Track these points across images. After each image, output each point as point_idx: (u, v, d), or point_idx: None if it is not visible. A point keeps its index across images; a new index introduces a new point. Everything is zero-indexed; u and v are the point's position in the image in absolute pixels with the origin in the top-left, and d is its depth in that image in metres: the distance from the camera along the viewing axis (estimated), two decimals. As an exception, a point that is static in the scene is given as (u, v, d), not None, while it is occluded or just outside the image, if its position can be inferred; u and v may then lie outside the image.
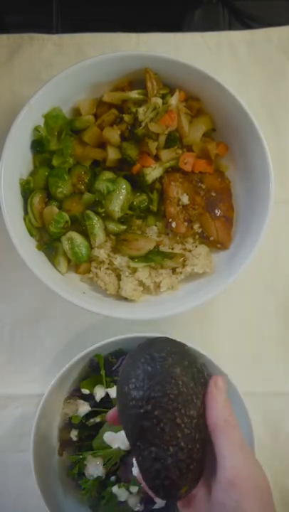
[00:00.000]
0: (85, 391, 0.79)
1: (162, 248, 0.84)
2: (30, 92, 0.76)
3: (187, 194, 0.82)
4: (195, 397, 0.47)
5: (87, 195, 0.81)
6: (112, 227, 0.82)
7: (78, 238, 0.81)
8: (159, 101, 0.78)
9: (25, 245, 0.77)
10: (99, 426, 0.77)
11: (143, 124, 0.78)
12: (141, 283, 0.84)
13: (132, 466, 0.74)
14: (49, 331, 0.88)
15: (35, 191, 0.81)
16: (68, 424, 0.81)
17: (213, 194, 0.84)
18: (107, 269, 0.84)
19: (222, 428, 0.47)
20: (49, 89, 0.76)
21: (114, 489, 0.75)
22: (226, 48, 0.93)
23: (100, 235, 0.81)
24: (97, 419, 0.77)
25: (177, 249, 0.84)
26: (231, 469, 0.45)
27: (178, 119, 0.80)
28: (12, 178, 0.78)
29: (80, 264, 0.83)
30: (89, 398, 0.79)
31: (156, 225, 0.84)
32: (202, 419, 0.48)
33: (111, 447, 0.75)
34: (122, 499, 0.76)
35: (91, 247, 0.82)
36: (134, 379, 0.47)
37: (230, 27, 1.00)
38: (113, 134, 0.80)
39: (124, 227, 0.82)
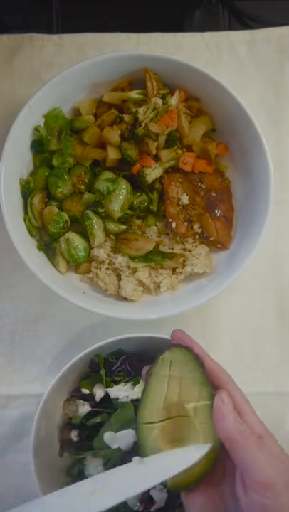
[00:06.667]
0: (85, 391, 0.79)
1: (162, 248, 0.83)
2: (30, 92, 0.76)
3: (187, 194, 0.82)
4: None
5: (87, 195, 0.81)
6: (112, 227, 0.82)
7: (76, 239, 0.81)
8: (159, 101, 0.78)
9: (25, 245, 0.77)
10: (99, 426, 0.77)
11: (143, 124, 0.78)
12: (141, 283, 0.84)
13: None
14: (49, 331, 0.88)
15: (35, 191, 0.81)
16: (68, 424, 0.81)
17: (213, 194, 0.84)
18: (107, 269, 0.84)
19: (238, 440, 0.48)
20: (49, 89, 0.76)
21: (114, 489, 0.75)
22: (226, 48, 0.93)
23: (99, 235, 0.81)
24: (97, 419, 0.77)
25: (177, 249, 0.84)
26: (260, 472, 0.46)
27: (178, 119, 0.80)
28: (12, 178, 0.78)
29: (80, 264, 0.83)
30: (89, 398, 0.79)
31: (156, 225, 0.84)
32: None
33: (111, 447, 0.75)
34: (122, 499, 0.75)
35: (90, 247, 0.82)
36: None
37: (230, 27, 0.99)
38: (113, 134, 0.80)
39: (124, 227, 0.82)
